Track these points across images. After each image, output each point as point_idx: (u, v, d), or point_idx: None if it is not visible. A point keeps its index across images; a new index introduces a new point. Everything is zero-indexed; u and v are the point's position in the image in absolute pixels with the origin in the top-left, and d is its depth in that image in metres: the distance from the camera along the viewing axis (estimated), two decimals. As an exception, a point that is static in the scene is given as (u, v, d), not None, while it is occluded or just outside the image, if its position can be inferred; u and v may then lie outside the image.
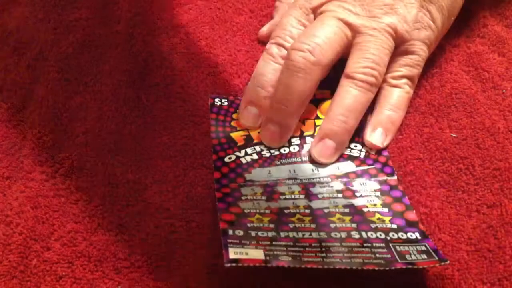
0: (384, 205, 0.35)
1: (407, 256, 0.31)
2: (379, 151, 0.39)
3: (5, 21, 0.48)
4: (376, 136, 0.39)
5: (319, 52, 0.38)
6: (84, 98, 0.42)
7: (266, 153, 0.39)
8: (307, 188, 0.37)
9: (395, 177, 0.37)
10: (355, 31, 0.40)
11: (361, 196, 0.36)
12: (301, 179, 0.38)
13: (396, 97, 0.40)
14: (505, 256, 0.33)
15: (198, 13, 0.49)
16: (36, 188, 0.37)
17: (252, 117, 0.40)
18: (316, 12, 0.42)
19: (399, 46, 0.41)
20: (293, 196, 0.36)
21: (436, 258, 0.31)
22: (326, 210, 0.35)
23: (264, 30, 0.47)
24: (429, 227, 0.35)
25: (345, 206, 0.35)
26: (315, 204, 0.36)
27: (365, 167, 0.38)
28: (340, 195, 0.36)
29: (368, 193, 0.36)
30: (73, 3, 0.50)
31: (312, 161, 0.39)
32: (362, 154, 0.39)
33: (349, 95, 0.39)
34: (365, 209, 0.35)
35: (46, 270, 0.33)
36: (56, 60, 0.45)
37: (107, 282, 0.33)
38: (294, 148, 0.39)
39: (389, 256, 0.31)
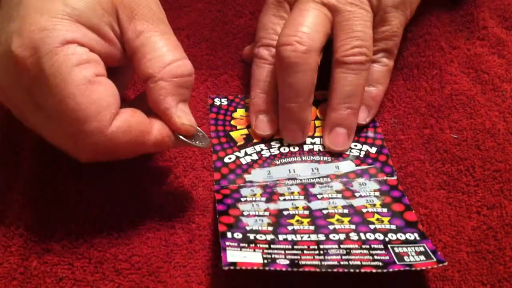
0: (383, 205, 0.35)
1: (405, 258, 0.31)
2: (379, 150, 0.39)
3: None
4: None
5: (307, 39, 0.38)
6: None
7: (266, 153, 0.39)
8: (307, 188, 0.37)
9: (395, 177, 0.38)
10: (333, 10, 0.39)
11: (360, 196, 0.36)
12: (300, 179, 0.38)
13: (375, 71, 0.41)
14: (505, 257, 0.33)
15: (198, 15, 0.49)
16: (37, 190, 0.37)
17: (266, 125, 0.40)
18: (290, 2, 0.41)
19: (375, 16, 0.40)
20: (292, 197, 0.36)
21: (434, 259, 0.31)
22: (325, 211, 0.35)
23: (248, 48, 0.46)
24: (429, 229, 0.35)
25: (344, 207, 0.35)
26: (314, 205, 0.36)
27: (365, 167, 0.38)
28: (339, 195, 0.36)
29: (368, 193, 0.36)
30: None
31: (312, 160, 0.39)
32: (362, 154, 0.39)
33: (346, 82, 0.38)
34: (364, 210, 0.35)
35: (47, 271, 0.33)
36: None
37: (107, 283, 0.33)
38: (294, 148, 0.40)
39: (387, 258, 0.31)
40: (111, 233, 0.35)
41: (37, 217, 0.35)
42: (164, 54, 0.32)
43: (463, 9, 0.48)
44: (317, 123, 0.41)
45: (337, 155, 0.39)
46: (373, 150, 0.39)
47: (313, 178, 0.38)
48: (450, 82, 0.43)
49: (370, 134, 0.40)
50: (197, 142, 0.34)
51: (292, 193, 0.36)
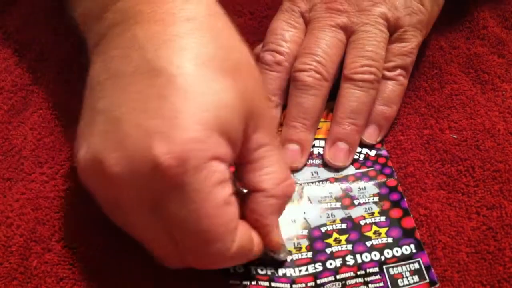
0: (381, 212, 0.36)
1: (399, 281, 0.32)
2: (378, 152, 0.39)
3: (5, 22, 0.48)
4: (369, 132, 0.40)
5: (322, 69, 0.39)
6: (85, 99, 0.42)
7: None
8: (307, 194, 0.37)
9: (395, 178, 0.38)
10: (348, 31, 0.40)
11: (359, 204, 0.36)
12: (300, 183, 0.38)
13: (390, 90, 0.40)
14: (505, 258, 0.33)
15: (198, 14, 0.49)
16: (37, 190, 0.37)
17: None
18: (305, 17, 0.42)
19: (392, 34, 0.41)
20: (292, 205, 0.36)
21: (427, 279, 0.32)
22: (323, 229, 0.35)
23: (259, 48, 0.46)
24: (429, 229, 0.35)
25: (342, 220, 0.36)
26: (313, 220, 0.36)
27: (365, 170, 0.38)
28: (338, 204, 0.36)
29: (367, 199, 0.37)
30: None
31: (312, 164, 0.39)
32: (362, 157, 0.39)
33: (353, 97, 0.39)
34: (362, 222, 0.35)
35: (47, 271, 0.33)
36: (57, 61, 0.45)
37: (108, 284, 0.33)
38: None
39: (381, 284, 0.32)
40: (111, 233, 0.35)
41: (37, 217, 0.35)
42: (279, 171, 0.32)
43: (463, 9, 0.48)
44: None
45: None
46: (372, 153, 0.39)
47: (312, 182, 0.38)
48: (450, 82, 0.43)
49: None
50: (279, 255, 0.34)
51: (292, 201, 0.36)
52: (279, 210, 0.32)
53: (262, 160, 0.31)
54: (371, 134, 0.40)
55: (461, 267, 0.33)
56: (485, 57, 0.45)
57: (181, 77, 0.28)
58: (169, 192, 0.27)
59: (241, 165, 0.32)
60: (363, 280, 0.32)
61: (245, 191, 0.32)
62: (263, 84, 0.33)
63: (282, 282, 0.33)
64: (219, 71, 0.29)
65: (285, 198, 0.32)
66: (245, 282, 0.33)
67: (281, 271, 0.33)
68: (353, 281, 0.32)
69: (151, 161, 0.27)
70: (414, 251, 0.33)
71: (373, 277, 0.32)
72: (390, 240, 0.34)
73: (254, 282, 0.33)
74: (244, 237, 0.30)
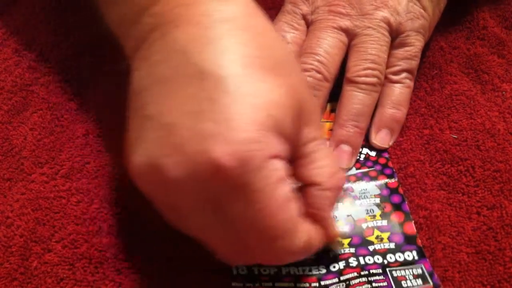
0: (383, 215, 0.36)
1: (403, 283, 0.32)
2: (379, 153, 0.39)
3: (5, 23, 0.48)
4: (381, 137, 0.40)
5: (324, 69, 0.39)
6: (84, 99, 0.42)
7: None
8: None
9: (396, 179, 0.38)
10: (350, 34, 0.40)
11: (360, 205, 0.36)
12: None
13: (398, 93, 0.40)
14: (505, 258, 0.33)
15: (198, 14, 0.49)
16: (37, 190, 0.37)
17: None
18: (306, 19, 0.42)
19: (395, 39, 0.41)
20: None
21: (431, 283, 0.32)
22: None
23: None
24: (429, 229, 0.35)
25: (344, 222, 0.35)
26: None
27: (365, 170, 0.38)
28: (340, 205, 0.36)
29: (368, 200, 0.36)
30: (73, 5, 0.50)
31: None
32: (362, 157, 0.39)
33: (355, 100, 0.39)
34: (364, 225, 0.35)
35: (47, 272, 0.33)
36: (56, 61, 0.45)
37: (108, 283, 0.33)
38: None
39: (385, 284, 0.32)
40: (111, 233, 0.35)
41: (37, 217, 0.35)
42: (330, 164, 0.32)
43: (463, 9, 0.48)
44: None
45: None
46: (373, 153, 0.39)
47: None
48: (450, 82, 0.43)
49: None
50: (336, 247, 0.34)
51: None
52: (334, 202, 0.32)
53: (313, 154, 0.31)
54: (383, 138, 0.40)
55: (461, 267, 0.33)
56: (485, 57, 0.45)
57: (228, 79, 0.28)
58: (231, 193, 0.27)
59: (293, 160, 0.32)
60: (366, 280, 0.32)
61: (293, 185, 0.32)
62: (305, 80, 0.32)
63: (286, 281, 0.33)
64: (265, 70, 0.29)
65: (338, 190, 0.32)
66: (248, 284, 0.33)
67: (284, 270, 0.33)
68: (356, 281, 0.32)
69: (212, 164, 0.26)
70: (416, 258, 0.33)
71: (376, 277, 0.32)
72: (392, 245, 0.34)
73: (257, 284, 0.33)
74: (311, 231, 0.30)
